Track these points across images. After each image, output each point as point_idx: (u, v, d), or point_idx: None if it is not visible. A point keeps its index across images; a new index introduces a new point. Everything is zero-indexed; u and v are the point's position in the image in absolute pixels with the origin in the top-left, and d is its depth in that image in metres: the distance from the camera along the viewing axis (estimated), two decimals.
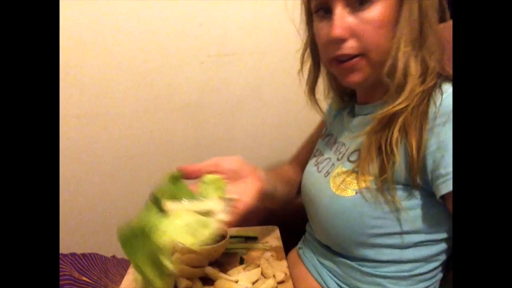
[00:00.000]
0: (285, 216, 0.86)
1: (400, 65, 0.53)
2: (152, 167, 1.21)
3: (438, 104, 0.51)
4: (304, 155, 0.83)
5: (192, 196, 0.53)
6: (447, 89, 0.52)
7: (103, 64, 1.10)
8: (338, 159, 0.65)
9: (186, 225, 0.46)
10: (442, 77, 0.55)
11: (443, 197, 0.51)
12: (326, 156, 0.70)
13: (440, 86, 0.53)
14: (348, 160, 0.62)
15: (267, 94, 1.18)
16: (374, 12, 0.53)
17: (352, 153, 0.62)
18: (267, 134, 1.22)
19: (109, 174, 1.20)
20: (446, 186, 0.50)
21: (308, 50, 0.68)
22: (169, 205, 0.50)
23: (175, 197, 0.52)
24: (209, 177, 0.56)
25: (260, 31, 1.12)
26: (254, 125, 1.20)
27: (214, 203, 0.51)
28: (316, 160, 0.72)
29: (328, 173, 0.65)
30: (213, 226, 0.47)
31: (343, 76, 0.59)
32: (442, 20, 0.57)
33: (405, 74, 0.53)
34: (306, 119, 1.21)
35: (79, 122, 1.14)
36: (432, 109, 0.52)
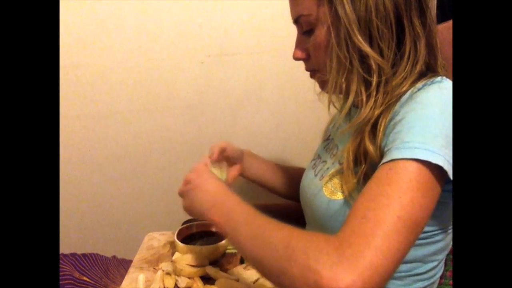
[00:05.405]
0: (285, 217, 0.86)
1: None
2: (152, 167, 1.21)
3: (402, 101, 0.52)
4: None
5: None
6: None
7: (103, 64, 1.10)
8: (332, 163, 0.65)
9: None
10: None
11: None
12: (323, 159, 0.70)
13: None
14: (339, 162, 0.61)
15: (267, 94, 1.18)
16: None
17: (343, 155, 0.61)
18: (267, 134, 1.22)
19: (109, 174, 1.20)
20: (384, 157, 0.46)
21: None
22: None
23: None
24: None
25: (260, 31, 1.12)
26: (254, 125, 1.21)
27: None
28: (314, 163, 0.72)
29: (322, 176, 0.64)
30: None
31: None
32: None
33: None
34: (306, 119, 1.22)
35: (79, 122, 1.14)
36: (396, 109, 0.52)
